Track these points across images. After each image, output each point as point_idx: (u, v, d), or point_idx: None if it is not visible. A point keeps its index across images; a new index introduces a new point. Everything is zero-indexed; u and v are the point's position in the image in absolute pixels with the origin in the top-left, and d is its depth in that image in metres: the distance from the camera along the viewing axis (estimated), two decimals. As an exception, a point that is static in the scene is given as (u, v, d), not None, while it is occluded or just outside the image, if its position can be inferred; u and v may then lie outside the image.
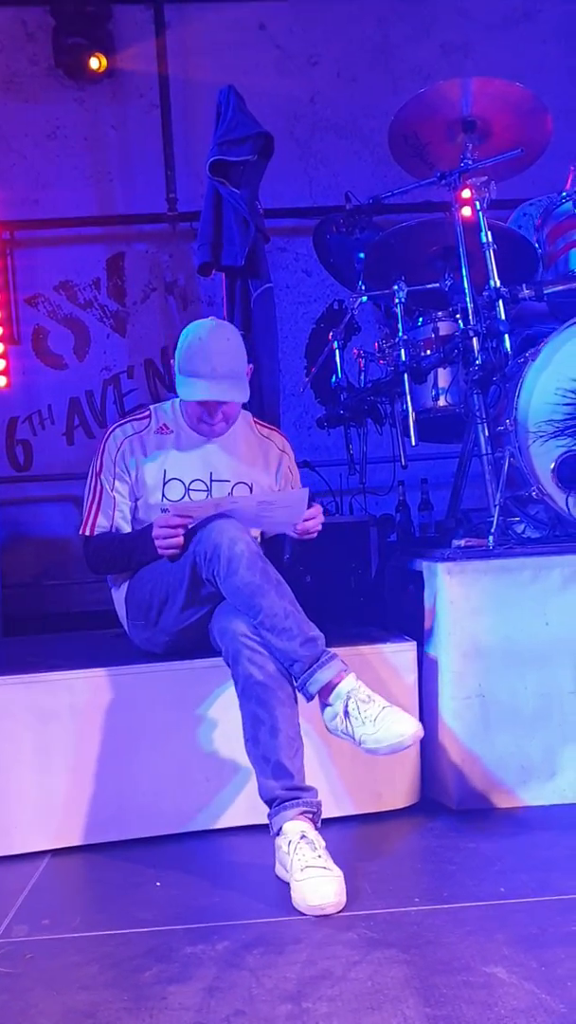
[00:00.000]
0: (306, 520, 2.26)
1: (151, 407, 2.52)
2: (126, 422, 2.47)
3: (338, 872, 1.81)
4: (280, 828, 1.90)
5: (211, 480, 2.42)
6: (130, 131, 4.83)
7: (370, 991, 1.46)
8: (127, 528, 2.41)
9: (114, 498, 2.39)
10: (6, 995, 1.52)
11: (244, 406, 2.47)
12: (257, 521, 2.28)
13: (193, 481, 2.41)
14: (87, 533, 2.40)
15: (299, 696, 2.01)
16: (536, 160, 2.90)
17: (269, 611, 1.98)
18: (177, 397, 2.45)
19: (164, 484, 2.39)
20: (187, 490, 2.40)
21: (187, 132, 4.75)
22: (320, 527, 2.30)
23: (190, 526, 2.16)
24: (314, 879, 1.77)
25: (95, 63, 4.64)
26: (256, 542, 2.13)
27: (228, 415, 2.39)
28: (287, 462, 2.56)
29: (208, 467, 2.43)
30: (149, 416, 2.48)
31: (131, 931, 1.74)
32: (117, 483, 2.40)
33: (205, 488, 2.41)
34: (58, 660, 2.42)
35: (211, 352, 2.32)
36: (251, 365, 2.42)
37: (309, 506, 2.26)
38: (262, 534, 2.53)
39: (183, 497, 2.39)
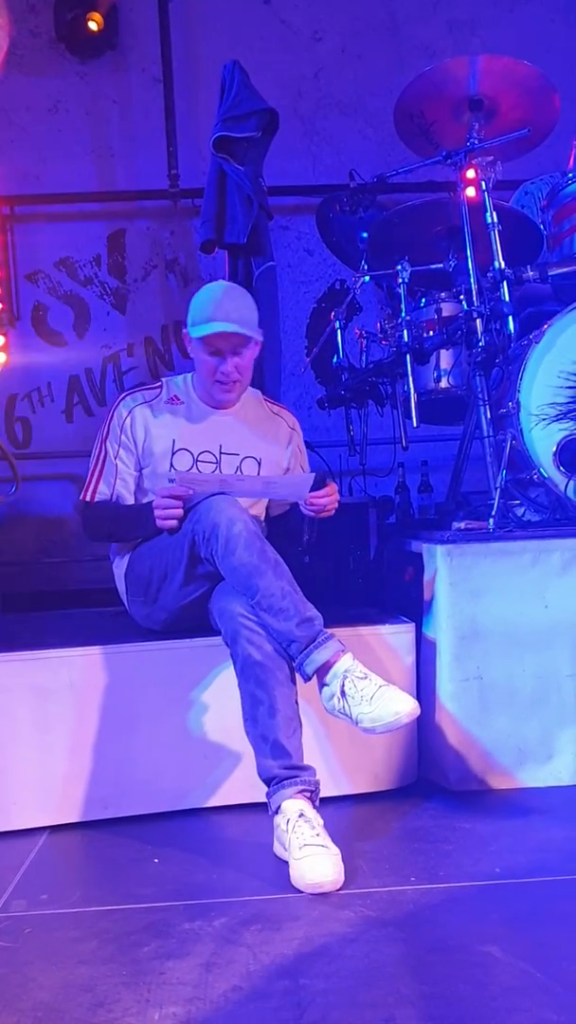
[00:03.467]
0: (320, 498, 2.26)
1: (163, 379, 2.51)
2: (137, 391, 2.46)
3: (336, 850, 1.82)
4: (278, 806, 1.91)
5: (220, 452, 2.41)
6: (132, 106, 4.77)
7: (366, 968, 1.47)
8: (128, 498, 2.40)
9: (116, 466, 2.38)
10: (5, 969, 1.54)
11: (252, 384, 2.48)
12: (261, 496, 2.28)
13: (202, 453, 2.40)
14: (87, 499, 2.39)
15: (297, 676, 2.01)
16: (543, 140, 2.87)
17: (266, 592, 1.98)
18: (185, 374, 2.48)
19: (173, 454, 2.38)
20: (195, 461, 2.39)
21: (189, 108, 4.70)
22: (336, 505, 2.30)
23: (193, 500, 2.17)
24: (312, 857, 1.79)
25: (92, 25, 4.56)
26: (256, 521, 2.13)
27: (242, 369, 2.37)
28: (297, 440, 2.56)
29: (218, 439, 2.42)
30: (161, 387, 2.47)
31: (129, 907, 1.75)
32: (122, 451, 2.39)
33: (214, 460, 2.40)
34: (56, 638, 2.43)
35: (224, 299, 2.34)
36: (261, 329, 2.41)
37: (325, 484, 2.27)
38: (267, 513, 2.53)
39: (191, 468, 2.38)
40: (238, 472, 2.41)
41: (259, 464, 2.44)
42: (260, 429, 2.49)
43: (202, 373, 2.40)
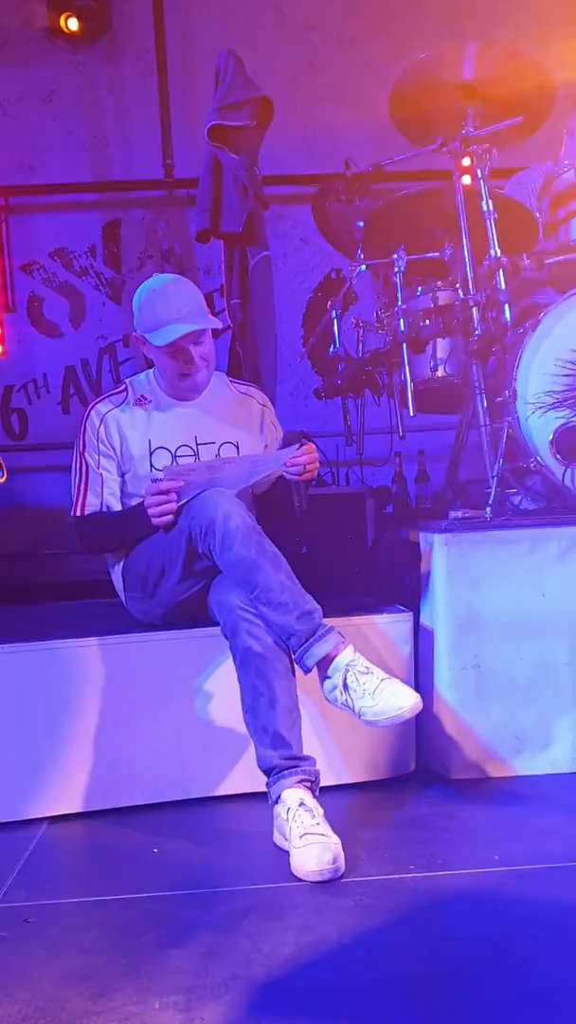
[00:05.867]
0: (300, 457, 2.24)
1: (126, 381, 2.51)
2: (104, 399, 2.45)
3: (336, 840, 1.83)
4: (279, 796, 1.92)
5: (197, 444, 2.41)
6: (126, 95, 4.75)
7: (365, 956, 1.48)
8: (117, 505, 2.39)
9: (101, 475, 2.37)
10: (6, 958, 1.54)
11: (235, 373, 2.47)
12: (250, 478, 2.28)
13: (179, 447, 2.40)
14: (78, 513, 2.38)
15: (296, 667, 2.02)
16: (539, 127, 2.86)
17: (265, 586, 1.99)
18: (147, 371, 2.47)
19: (151, 454, 2.38)
20: (174, 457, 2.39)
21: (184, 97, 4.67)
22: (316, 465, 2.29)
23: (183, 496, 2.16)
24: (313, 846, 1.79)
25: (73, 24, 4.55)
26: (251, 512, 2.13)
27: (206, 358, 2.37)
28: (269, 416, 2.55)
29: (192, 431, 2.41)
30: (126, 390, 2.46)
31: (129, 896, 1.76)
32: (103, 460, 2.38)
33: (192, 453, 2.40)
34: (55, 629, 2.43)
35: (170, 295, 2.32)
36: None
37: (302, 444, 2.26)
38: (256, 486, 2.52)
39: (172, 464, 2.37)
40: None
41: (237, 448, 2.43)
42: (231, 413, 2.48)
43: (167, 373, 2.39)
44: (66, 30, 4.57)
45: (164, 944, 1.56)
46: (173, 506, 2.18)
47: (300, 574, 2.05)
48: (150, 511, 2.20)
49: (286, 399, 4.42)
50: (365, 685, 1.92)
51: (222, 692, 2.20)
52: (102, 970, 1.48)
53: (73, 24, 4.56)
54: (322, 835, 1.82)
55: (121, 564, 2.42)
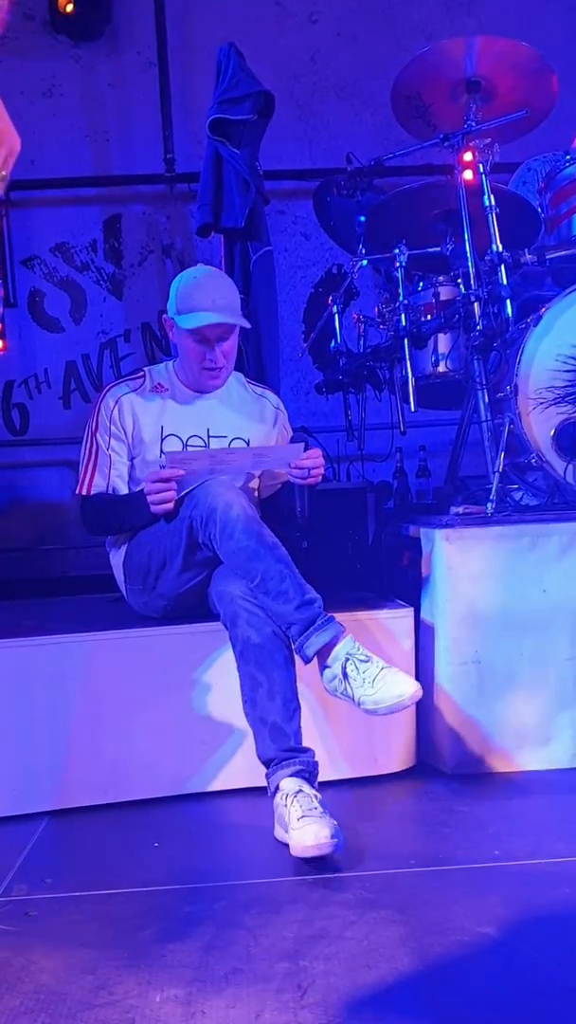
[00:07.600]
0: (305, 460, 2.27)
1: (145, 368, 2.55)
2: (121, 382, 2.48)
3: (334, 821, 1.82)
4: (277, 786, 1.92)
5: (208, 436, 2.43)
6: (127, 89, 4.74)
7: (365, 950, 1.48)
8: (124, 488, 2.41)
9: (110, 457, 2.40)
10: (7, 952, 1.54)
11: (238, 367, 2.50)
12: (252, 469, 2.30)
13: (190, 437, 2.42)
14: (84, 493, 2.40)
15: (297, 658, 2.02)
16: (541, 122, 2.85)
17: (265, 575, 1.99)
18: (170, 359, 2.49)
19: (162, 440, 2.41)
20: (184, 446, 2.42)
21: (185, 91, 4.66)
22: (322, 471, 2.31)
23: (185, 485, 2.17)
24: (311, 824, 1.79)
25: (69, 6, 4.54)
26: (252, 505, 2.13)
27: (227, 354, 2.41)
28: (282, 419, 2.59)
29: (205, 423, 2.44)
30: (144, 376, 2.49)
31: (130, 891, 1.76)
32: (113, 442, 2.40)
33: (203, 444, 2.43)
34: (55, 624, 2.43)
35: (209, 287, 2.37)
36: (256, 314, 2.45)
37: (308, 449, 2.29)
38: (261, 490, 2.53)
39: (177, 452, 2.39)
40: None
41: (247, 445, 2.46)
42: (246, 410, 2.52)
43: (188, 360, 2.42)
44: (63, 11, 4.54)
45: (165, 938, 1.56)
46: (172, 495, 2.19)
47: (301, 569, 2.05)
48: (149, 498, 2.21)
49: (287, 394, 4.42)
50: (364, 674, 1.92)
51: (222, 687, 2.20)
52: (103, 963, 1.49)
53: (70, 7, 4.53)
54: (320, 815, 1.82)
55: (123, 556, 2.42)
